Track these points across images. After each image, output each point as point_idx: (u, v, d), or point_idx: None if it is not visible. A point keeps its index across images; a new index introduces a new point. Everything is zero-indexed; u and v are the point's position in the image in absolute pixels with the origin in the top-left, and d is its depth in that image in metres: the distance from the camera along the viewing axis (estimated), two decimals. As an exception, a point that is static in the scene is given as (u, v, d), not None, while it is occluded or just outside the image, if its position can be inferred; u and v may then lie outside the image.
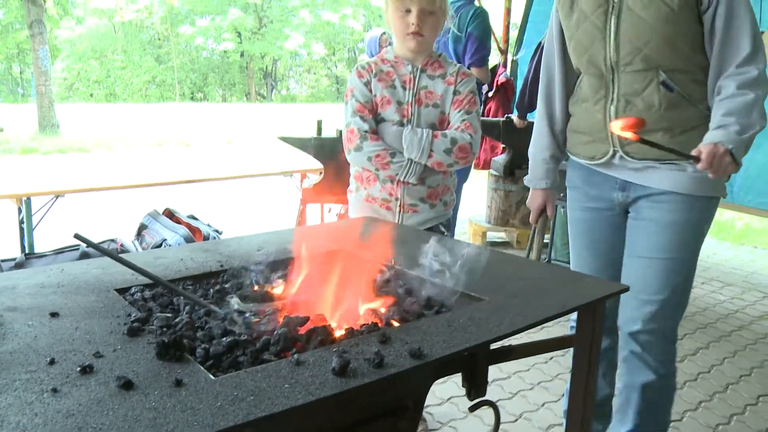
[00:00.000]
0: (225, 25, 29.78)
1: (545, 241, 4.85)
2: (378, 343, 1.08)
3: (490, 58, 4.52)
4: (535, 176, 2.30)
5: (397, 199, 2.26)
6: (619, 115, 1.95)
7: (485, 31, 4.40)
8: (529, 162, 2.34)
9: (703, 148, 1.75)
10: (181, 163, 4.99)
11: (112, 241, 3.91)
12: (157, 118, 19.63)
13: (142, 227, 4.24)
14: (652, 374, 2.08)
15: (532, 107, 4.70)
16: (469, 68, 4.42)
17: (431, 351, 1.05)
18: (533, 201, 2.34)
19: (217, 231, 4.25)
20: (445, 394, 2.88)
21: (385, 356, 1.01)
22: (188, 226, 4.21)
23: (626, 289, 1.45)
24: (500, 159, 5.27)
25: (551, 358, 3.33)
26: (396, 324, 1.23)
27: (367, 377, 0.96)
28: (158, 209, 4.28)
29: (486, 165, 5.62)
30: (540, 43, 4.51)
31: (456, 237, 5.20)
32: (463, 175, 4.82)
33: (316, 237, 1.85)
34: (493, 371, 3.12)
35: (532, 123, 5.09)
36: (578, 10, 2.02)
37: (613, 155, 2.04)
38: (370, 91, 2.25)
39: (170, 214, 4.34)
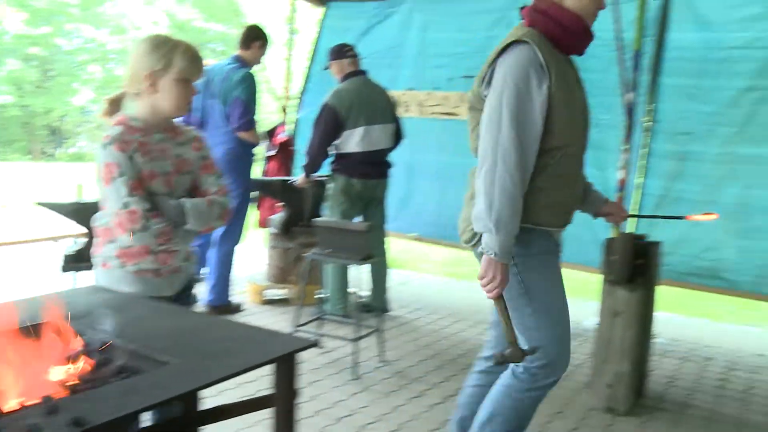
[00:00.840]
0: (2, 76, 27.54)
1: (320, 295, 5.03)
2: (44, 414, 1.13)
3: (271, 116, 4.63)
4: (510, 250, 2.14)
5: (169, 265, 2.27)
6: (582, 188, 2.43)
7: (251, 96, 4.58)
8: (503, 237, 2.10)
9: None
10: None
11: None
12: None
13: None
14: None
15: (315, 169, 4.85)
16: (237, 132, 4.58)
17: (97, 417, 1.12)
18: (505, 276, 2.14)
19: (-33, 305, 3.94)
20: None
21: (44, 427, 1.07)
22: (-68, 301, 3.86)
23: (315, 344, 1.62)
24: (278, 217, 5.42)
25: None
26: (76, 393, 1.28)
27: (17, 449, 1.01)
28: None
29: (266, 224, 5.74)
30: (326, 104, 4.61)
31: (234, 297, 5.24)
32: (236, 238, 4.91)
33: (28, 309, 1.83)
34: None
35: (314, 180, 5.13)
36: (576, 97, 2.26)
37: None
38: (135, 165, 2.16)
39: None
